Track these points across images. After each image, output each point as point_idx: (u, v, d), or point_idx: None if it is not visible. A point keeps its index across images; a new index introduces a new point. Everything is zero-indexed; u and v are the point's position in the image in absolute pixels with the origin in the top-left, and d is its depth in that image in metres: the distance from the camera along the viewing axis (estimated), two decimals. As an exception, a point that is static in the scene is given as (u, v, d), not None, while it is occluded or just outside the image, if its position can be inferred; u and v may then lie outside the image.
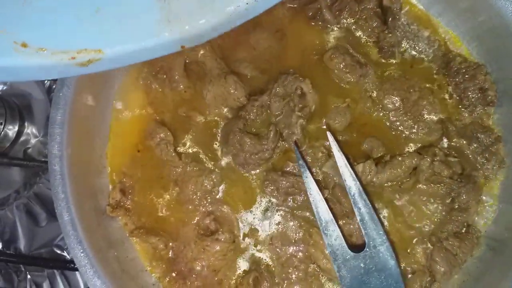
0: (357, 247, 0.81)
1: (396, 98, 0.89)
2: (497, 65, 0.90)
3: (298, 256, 0.85)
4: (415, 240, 0.85)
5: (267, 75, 0.91)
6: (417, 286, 0.83)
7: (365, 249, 0.80)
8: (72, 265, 0.99)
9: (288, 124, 0.86)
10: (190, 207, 0.87)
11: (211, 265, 0.84)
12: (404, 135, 0.89)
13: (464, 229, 0.86)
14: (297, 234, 0.85)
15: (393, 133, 0.89)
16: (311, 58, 0.92)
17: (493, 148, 0.88)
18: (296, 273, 0.84)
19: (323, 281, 0.84)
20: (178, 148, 0.89)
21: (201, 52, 0.90)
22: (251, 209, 0.87)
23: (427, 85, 0.91)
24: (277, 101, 0.87)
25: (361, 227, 0.80)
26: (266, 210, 0.87)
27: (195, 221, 0.86)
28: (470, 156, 0.89)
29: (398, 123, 0.89)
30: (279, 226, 0.86)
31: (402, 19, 0.92)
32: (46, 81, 1.14)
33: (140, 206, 0.87)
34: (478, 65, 0.90)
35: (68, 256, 1.06)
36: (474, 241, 0.85)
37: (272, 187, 0.86)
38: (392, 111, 0.89)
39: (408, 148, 0.89)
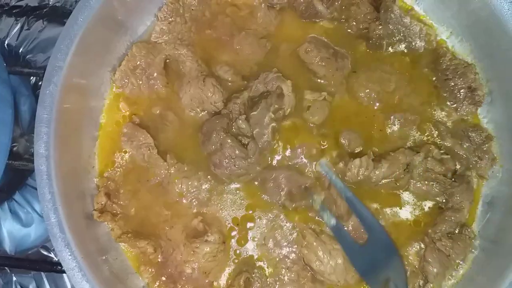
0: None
1: (372, 90, 0.89)
2: (490, 63, 0.90)
3: (291, 257, 0.84)
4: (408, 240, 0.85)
5: (247, 81, 0.89)
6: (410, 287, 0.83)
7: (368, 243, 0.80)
8: (59, 267, 0.97)
9: (260, 122, 0.84)
10: (177, 209, 0.85)
11: (201, 267, 0.82)
12: (383, 127, 0.89)
13: (458, 229, 0.85)
14: (291, 235, 0.84)
15: (372, 126, 0.89)
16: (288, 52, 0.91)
17: (484, 147, 0.88)
18: (289, 274, 0.83)
19: (315, 283, 0.83)
20: (159, 147, 0.86)
21: (183, 51, 0.89)
22: (241, 209, 0.85)
23: (407, 78, 0.90)
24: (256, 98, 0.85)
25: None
26: (258, 209, 0.85)
27: (183, 223, 0.84)
28: (463, 156, 0.88)
29: (375, 115, 0.89)
30: (273, 226, 0.85)
31: (396, 11, 0.91)
32: (31, 78, 1.11)
33: (127, 210, 0.85)
34: (468, 64, 0.90)
35: (55, 258, 1.04)
36: (467, 242, 0.85)
37: (270, 184, 0.84)
38: (369, 103, 0.89)
39: (390, 141, 0.88)
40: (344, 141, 0.86)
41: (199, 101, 0.87)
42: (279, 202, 0.85)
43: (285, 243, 0.84)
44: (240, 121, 0.83)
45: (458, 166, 0.88)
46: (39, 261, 1.03)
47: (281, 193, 0.84)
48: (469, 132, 0.89)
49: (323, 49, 0.88)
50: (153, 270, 0.84)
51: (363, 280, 0.82)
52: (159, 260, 0.84)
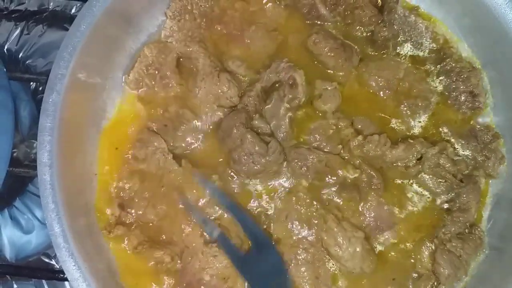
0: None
1: (382, 78, 0.89)
2: (493, 68, 0.90)
3: (309, 239, 0.83)
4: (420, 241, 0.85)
5: (260, 75, 0.88)
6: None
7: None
8: (61, 275, 0.96)
9: (276, 115, 0.85)
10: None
11: (220, 274, 0.81)
12: (395, 115, 0.89)
13: (467, 229, 0.85)
14: (312, 218, 0.84)
15: (385, 113, 0.89)
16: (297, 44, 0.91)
17: (492, 145, 0.88)
18: (304, 255, 0.83)
19: (330, 267, 0.83)
20: (173, 150, 0.86)
21: (194, 48, 0.88)
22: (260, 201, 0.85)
23: (415, 68, 0.91)
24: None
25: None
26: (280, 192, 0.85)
27: (201, 230, 0.83)
28: (469, 155, 0.88)
29: (386, 102, 0.89)
30: (294, 207, 0.84)
31: (399, 11, 0.90)
32: (31, 83, 1.10)
33: (142, 219, 0.83)
34: (474, 68, 0.90)
35: (56, 265, 1.03)
36: (478, 242, 0.85)
37: (300, 163, 0.84)
38: (379, 91, 0.89)
39: (402, 130, 0.89)
40: (358, 127, 0.87)
41: (215, 97, 0.86)
42: (308, 180, 0.85)
43: (306, 224, 0.83)
44: (256, 121, 0.83)
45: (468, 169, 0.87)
46: (40, 269, 1.02)
47: (307, 172, 0.84)
48: (476, 131, 0.89)
49: (331, 39, 0.88)
50: (172, 279, 0.82)
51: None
52: (177, 268, 0.82)
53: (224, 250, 0.81)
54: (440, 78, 0.91)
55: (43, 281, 1.02)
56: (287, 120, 0.85)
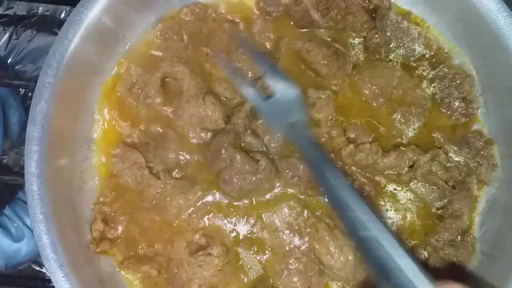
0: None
1: (375, 86, 0.88)
2: (485, 74, 0.89)
3: (302, 249, 0.83)
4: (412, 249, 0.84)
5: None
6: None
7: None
8: (52, 285, 0.95)
9: (268, 130, 0.85)
10: (177, 226, 0.83)
11: (208, 283, 0.80)
12: (388, 123, 0.89)
13: (459, 236, 0.85)
14: (304, 227, 0.83)
15: (378, 121, 0.89)
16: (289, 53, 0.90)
17: (484, 152, 0.87)
18: (296, 264, 0.82)
19: (323, 277, 0.82)
20: (152, 166, 0.85)
21: (180, 69, 0.87)
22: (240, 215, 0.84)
23: (408, 74, 0.90)
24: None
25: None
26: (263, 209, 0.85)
27: (184, 240, 0.82)
28: (462, 162, 0.88)
29: (380, 110, 0.89)
30: (285, 217, 0.84)
31: (392, 17, 0.90)
32: (21, 89, 1.09)
33: (126, 234, 0.83)
34: (467, 74, 0.90)
35: (48, 274, 1.01)
36: (470, 249, 0.84)
37: (291, 173, 0.83)
38: (373, 99, 0.89)
39: (396, 137, 0.88)
40: (352, 135, 0.86)
41: (199, 119, 0.85)
42: (300, 190, 0.84)
43: (297, 234, 0.83)
44: (248, 138, 0.83)
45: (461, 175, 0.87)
46: (31, 278, 1.00)
47: (299, 181, 0.84)
48: (468, 138, 0.88)
49: (324, 47, 0.88)
50: None
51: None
52: (164, 282, 0.81)
53: (248, 99, 0.84)
54: (434, 84, 0.91)
55: (34, 288, 1.01)
56: (280, 134, 0.85)
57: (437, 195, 0.86)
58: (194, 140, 0.86)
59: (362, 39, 0.92)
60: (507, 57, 0.83)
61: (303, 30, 0.92)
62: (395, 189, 0.87)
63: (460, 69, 0.90)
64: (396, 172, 0.85)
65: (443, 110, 0.90)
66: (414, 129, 0.89)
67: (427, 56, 0.92)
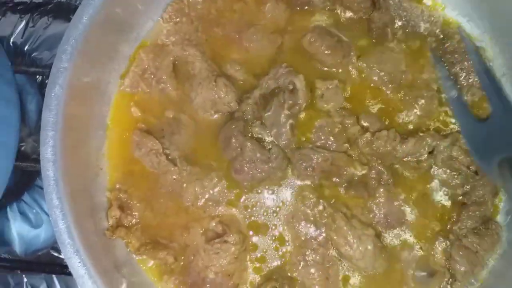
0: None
1: (383, 71, 0.86)
2: (500, 44, 0.86)
3: (318, 240, 0.82)
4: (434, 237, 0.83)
5: (259, 80, 0.86)
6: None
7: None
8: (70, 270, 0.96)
9: (276, 122, 0.83)
10: (193, 213, 0.83)
11: (224, 270, 0.80)
12: (400, 108, 0.87)
13: (483, 224, 0.82)
14: (321, 218, 0.82)
15: (389, 107, 0.87)
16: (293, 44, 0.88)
17: None
18: (313, 255, 0.81)
19: (340, 268, 0.81)
20: (169, 153, 0.84)
21: (191, 52, 0.86)
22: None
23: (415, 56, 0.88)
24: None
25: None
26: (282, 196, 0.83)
27: (201, 227, 0.82)
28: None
29: (390, 96, 0.87)
30: (301, 207, 0.83)
31: None
32: (38, 76, 1.09)
33: (143, 221, 0.83)
34: (477, 47, 0.87)
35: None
36: (495, 237, 0.82)
37: (305, 164, 0.81)
38: (382, 85, 0.87)
39: (410, 122, 0.86)
40: (365, 124, 0.84)
41: (212, 102, 0.84)
42: (314, 181, 0.83)
43: (313, 224, 0.82)
44: (257, 128, 0.82)
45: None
46: (50, 264, 1.02)
47: (313, 172, 0.82)
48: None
49: (327, 37, 0.86)
50: (176, 279, 0.81)
51: (474, 159, 0.79)
52: (181, 268, 0.81)
53: (456, 111, 0.80)
54: (444, 61, 0.88)
55: (53, 275, 1.02)
56: (288, 127, 0.83)
57: (459, 181, 0.83)
58: (208, 124, 0.85)
59: (366, 19, 0.89)
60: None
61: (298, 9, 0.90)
62: (414, 177, 0.84)
63: (471, 42, 0.88)
64: (415, 159, 0.83)
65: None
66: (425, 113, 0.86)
67: (433, 33, 0.89)
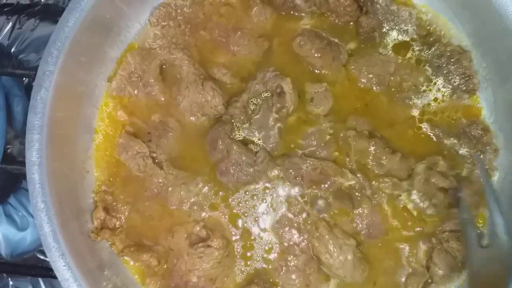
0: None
1: (372, 74, 0.88)
2: (482, 49, 0.88)
3: (301, 246, 0.82)
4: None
5: (246, 82, 0.87)
6: (415, 286, 0.81)
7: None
8: (56, 273, 0.96)
9: (264, 125, 0.83)
10: (178, 217, 0.83)
11: (207, 275, 0.80)
12: (388, 110, 0.88)
13: None
14: (304, 225, 0.83)
15: (378, 110, 0.88)
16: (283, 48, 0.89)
17: (484, 139, 0.86)
18: (295, 261, 0.82)
19: (321, 275, 0.82)
20: (156, 156, 0.84)
21: (178, 55, 0.86)
22: (245, 210, 0.84)
23: (405, 59, 0.89)
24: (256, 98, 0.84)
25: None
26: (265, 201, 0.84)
27: (185, 231, 0.82)
28: (467, 155, 0.86)
29: (379, 98, 0.88)
30: (286, 213, 0.83)
31: (380, 1, 0.89)
32: (24, 79, 1.08)
33: (127, 223, 0.83)
34: (464, 50, 0.89)
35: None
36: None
37: (294, 172, 0.82)
38: (371, 88, 0.88)
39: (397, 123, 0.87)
40: (353, 124, 0.85)
41: (199, 106, 0.85)
42: (301, 188, 0.83)
43: (297, 231, 0.83)
44: (246, 130, 0.82)
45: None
46: (36, 266, 1.01)
47: (302, 181, 0.83)
48: (465, 128, 0.87)
49: (316, 40, 0.87)
50: (159, 282, 0.82)
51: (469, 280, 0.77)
52: (164, 271, 0.82)
53: (465, 236, 0.77)
54: (430, 65, 0.89)
55: (39, 278, 1.02)
56: (276, 130, 0.84)
57: (433, 210, 0.84)
58: (195, 128, 0.86)
59: (354, 23, 0.90)
60: (504, 28, 0.80)
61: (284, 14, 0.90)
62: (393, 193, 0.85)
63: (456, 46, 0.89)
64: (397, 177, 0.84)
65: (443, 91, 0.89)
66: (413, 115, 0.88)
67: (421, 36, 0.90)
